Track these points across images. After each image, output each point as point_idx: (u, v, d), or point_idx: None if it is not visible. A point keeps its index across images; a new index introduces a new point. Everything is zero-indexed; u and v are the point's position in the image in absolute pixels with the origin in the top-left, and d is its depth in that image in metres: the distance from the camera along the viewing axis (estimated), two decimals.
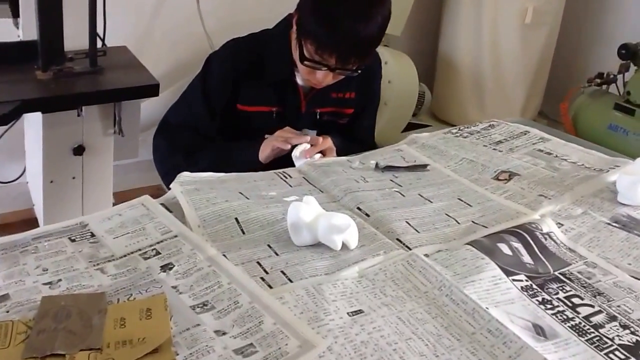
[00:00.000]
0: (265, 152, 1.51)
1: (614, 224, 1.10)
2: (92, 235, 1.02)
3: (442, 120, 3.64)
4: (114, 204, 2.22)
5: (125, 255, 0.97)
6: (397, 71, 3.04)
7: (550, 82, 3.60)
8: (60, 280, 0.90)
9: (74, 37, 2.03)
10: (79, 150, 1.90)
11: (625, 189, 1.17)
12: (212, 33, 2.84)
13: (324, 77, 1.48)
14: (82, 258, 0.96)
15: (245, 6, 2.98)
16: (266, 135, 1.58)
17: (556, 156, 1.37)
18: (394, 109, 3.08)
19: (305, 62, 1.45)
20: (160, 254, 0.97)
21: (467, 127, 1.53)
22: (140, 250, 0.98)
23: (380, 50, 3.07)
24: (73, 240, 1.01)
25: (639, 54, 2.91)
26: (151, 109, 2.64)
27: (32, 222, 2.31)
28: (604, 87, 3.15)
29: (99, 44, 2.30)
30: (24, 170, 2.71)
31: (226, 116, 1.60)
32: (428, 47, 3.78)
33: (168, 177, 1.56)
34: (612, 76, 3.09)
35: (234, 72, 1.58)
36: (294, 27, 1.48)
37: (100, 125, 1.86)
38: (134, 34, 2.81)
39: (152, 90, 1.75)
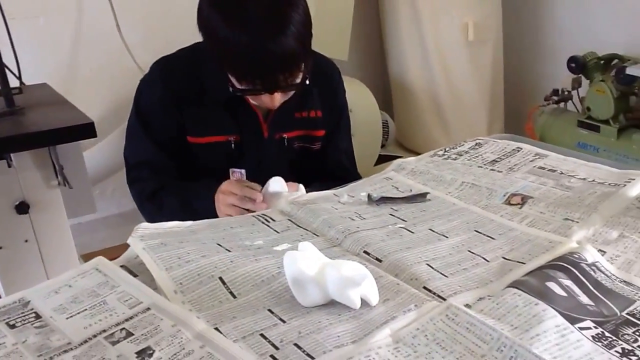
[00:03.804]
0: (222, 214, 1.28)
1: None
2: (38, 316, 0.79)
3: (410, 150, 3.46)
4: None
5: (86, 341, 0.74)
6: (355, 98, 2.87)
7: (507, 100, 3.50)
8: None
9: None
10: (22, 208, 1.62)
11: None
12: (145, 65, 2.61)
13: (271, 100, 1.26)
14: (28, 351, 0.73)
15: (173, 33, 2.75)
16: (231, 170, 1.37)
17: (562, 173, 1.22)
18: (362, 141, 2.89)
19: (238, 94, 1.26)
20: (132, 334, 0.75)
21: (454, 148, 1.37)
22: (105, 331, 0.76)
23: None
24: (13, 326, 0.77)
25: (588, 66, 2.81)
26: (101, 157, 2.36)
27: None
28: (562, 104, 3.05)
29: (15, 82, 2.04)
30: None
31: (181, 152, 1.38)
32: (377, 71, 3.62)
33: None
34: (566, 92, 2.99)
35: (169, 94, 1.35)
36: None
37: (40, 177, 1.58)
38: (57, 72, 2.54)
39: (86, 130, 1.49)
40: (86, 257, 2.27)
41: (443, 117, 3.34)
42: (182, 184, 1.38)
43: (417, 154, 3.39)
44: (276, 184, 1.23)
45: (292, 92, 1.29)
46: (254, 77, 1.22)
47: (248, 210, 1.21)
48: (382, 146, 3.25)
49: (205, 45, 1.29)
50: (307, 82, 1.27)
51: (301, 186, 1.26)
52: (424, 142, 3.40)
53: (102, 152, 2.46)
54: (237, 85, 1.25)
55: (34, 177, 1.63)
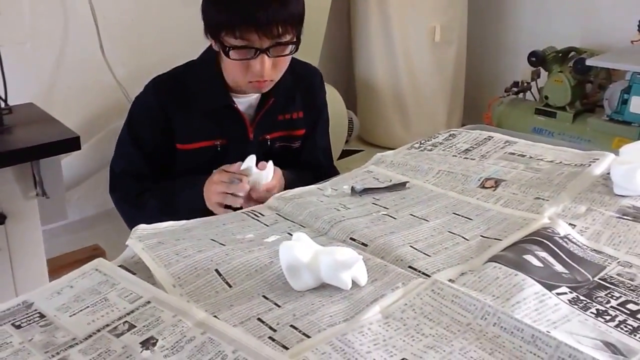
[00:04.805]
0: (213, 209, 1.32)
1: (624, 217, 1.01)
2: (42, 316, 0.82)
3: (372, 144, 3.60)
4: (49, 272, 1.97)
5: (90, 335, 0.77)
6: None
7: (467, 95, 3.64)
8: None
9: None
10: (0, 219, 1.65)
11: (622, 180, 1.09)
12: (124, 81, 2.65)
13: (261, 66, 1.29)
14: (35, 349, 0.76)
15: (151, 50, 2.80)
16: (214, 171, 1.41)
17: (531, 157, 1.28)
18: None
19: (232, 54, 1.29)
20: (135, 326, 0.78)
21: (428, 140, 1.43)
22: (108, 325, 0.79)
23: None
24: (18, 327, 0.80)
25: (547, 59, 2.98)
26: (70, 167, 2.39)
27: None
28: (521, 95, 3.19)
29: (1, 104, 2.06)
30: None
31: (168, 160, 1.42)
32: (344, 73, 3.75)
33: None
34: (526, 84, 3.14)
35: (160, 106, 1.41)
36: (212, 42, 1.35)
37: (19, 189, 1.62)
38: (39, 92, 2.57)
39: (72, 144, 1.54)
40: (50, 262, 2.29)
41: (405, 112, 3.45)
42: (163, 185, 1.42)
43: (378, 147, 3.53)
44: (250, 160, 1.28)
45: (279, 74, 1.36)
46: (249, 25, 1.24)
47: (236, 208, 1.25)
48: (346, 141, 3.37)
49: (204, 56, 1.36)
50: (297, 48, 1.34)
51: (270, 163, 1.31)
52: (385, 136, 3.53)
53: (72, 162, 2.50)
54: (233, 42, 1.28)
55: (14, 190, 1.66)
